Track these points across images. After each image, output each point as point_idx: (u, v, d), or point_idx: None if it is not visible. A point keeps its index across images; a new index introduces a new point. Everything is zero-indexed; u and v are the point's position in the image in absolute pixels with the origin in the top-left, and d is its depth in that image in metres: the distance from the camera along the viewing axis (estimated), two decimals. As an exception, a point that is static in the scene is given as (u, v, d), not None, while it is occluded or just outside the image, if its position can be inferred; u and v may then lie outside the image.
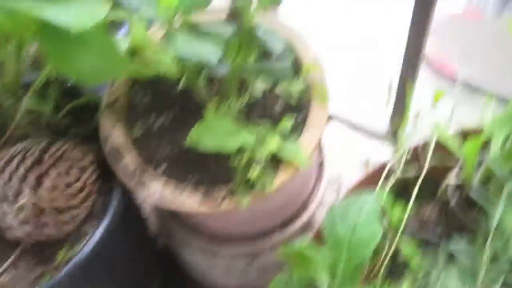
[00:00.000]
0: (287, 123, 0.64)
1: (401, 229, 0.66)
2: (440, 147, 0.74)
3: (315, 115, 0.66)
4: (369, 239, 0.63)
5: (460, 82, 1.14)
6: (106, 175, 0.72)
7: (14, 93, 0.75)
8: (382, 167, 0.75)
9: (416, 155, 0.75)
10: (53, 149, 0.67)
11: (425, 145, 0.75)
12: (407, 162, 0.74)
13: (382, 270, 0.66)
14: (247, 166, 0.62)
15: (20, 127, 0.73)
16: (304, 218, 0.84)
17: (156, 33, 0.75)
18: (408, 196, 0.71)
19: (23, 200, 0.63)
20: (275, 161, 0.63)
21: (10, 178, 0.65)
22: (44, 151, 0.67)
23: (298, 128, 0.66)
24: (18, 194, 0.64)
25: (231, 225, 0.80)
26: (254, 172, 0.60)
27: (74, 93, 0.79)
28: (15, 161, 0.66)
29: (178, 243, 0.88)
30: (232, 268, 0.86)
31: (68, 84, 0.80)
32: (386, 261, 0.66)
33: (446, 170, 0.75)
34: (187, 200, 0.63)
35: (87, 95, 0.79)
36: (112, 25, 0.86)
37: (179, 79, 0.72)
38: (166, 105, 0.72)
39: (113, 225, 0.69)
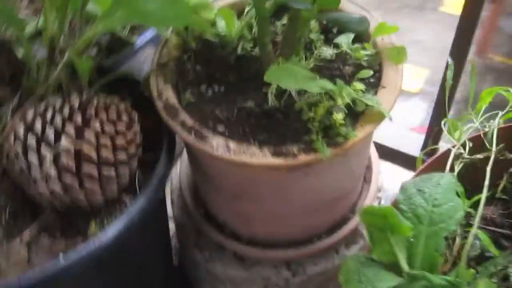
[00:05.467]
0: (366, 74, 0.60)
1: (478, 215, 0.60)
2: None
3: (389, 76, 0.61)
4: (452, 212, 0.56)
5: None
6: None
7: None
8: (446, 153, 0.70)
9: (479, 142, 0.71)
10: (96, 100, 0.59)
11: (487, 133, 0.71)
12: (470, 149, 0.70)
13: (464, 257, 0.58)
14: (325, 117, 0.56)
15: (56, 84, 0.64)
16: (352, 224, 0.75)
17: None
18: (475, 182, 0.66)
19: (63, 145, 0.53)
20: (353, 114, 0.57)
21: (45, 124, 0.55)
22: (87, 101, 0.58)
23: (370, 90, 0.61)
24: (55, 141, 0.54)
25: (278, 222, 0.70)
26: (338, 117, 0.54)
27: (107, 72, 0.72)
28: (51, 110, 0.57)
29: (204, 258, 0.76)
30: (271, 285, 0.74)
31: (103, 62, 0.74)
32: (467, 248, 0.59)
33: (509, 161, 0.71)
34: (258, 152, 0.55)
35: (122, 72, 0.72)
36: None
37: (235, 48, 0.68)
38: (220, 74, 0.66)
39: (154, 201, 0.59)
